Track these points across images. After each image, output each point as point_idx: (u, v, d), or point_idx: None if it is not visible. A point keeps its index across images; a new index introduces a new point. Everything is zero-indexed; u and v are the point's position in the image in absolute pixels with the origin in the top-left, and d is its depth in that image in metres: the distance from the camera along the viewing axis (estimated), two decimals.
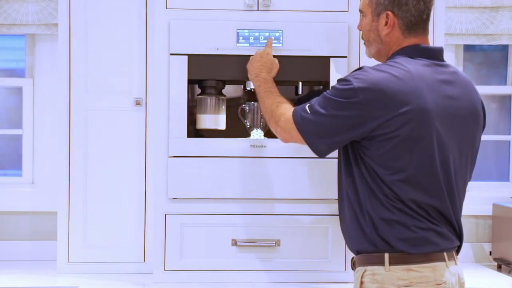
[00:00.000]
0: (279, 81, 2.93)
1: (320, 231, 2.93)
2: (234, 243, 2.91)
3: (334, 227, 2.90)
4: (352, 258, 2.20)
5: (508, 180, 3.85)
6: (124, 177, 3.12)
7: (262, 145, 2.90)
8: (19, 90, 3.58)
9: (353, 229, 2.14)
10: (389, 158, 2.04)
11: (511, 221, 3.42)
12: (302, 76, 2.95)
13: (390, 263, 2.05)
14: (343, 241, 2.87)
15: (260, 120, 3.01)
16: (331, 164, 2.84)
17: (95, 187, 3.11)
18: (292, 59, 2.88)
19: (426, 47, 2.16)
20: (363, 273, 2.10)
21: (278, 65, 2.72)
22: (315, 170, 2.89)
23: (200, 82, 2.98)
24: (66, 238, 3.11)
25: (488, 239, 3.67)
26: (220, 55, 2.88)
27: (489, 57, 3.90)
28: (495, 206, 3.57)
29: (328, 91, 2.15)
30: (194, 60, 2.88)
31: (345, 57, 2.90)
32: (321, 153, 2.17)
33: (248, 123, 3.04)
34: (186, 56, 2.87)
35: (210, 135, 3.00)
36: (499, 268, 3.52)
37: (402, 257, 2.05)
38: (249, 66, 2.71)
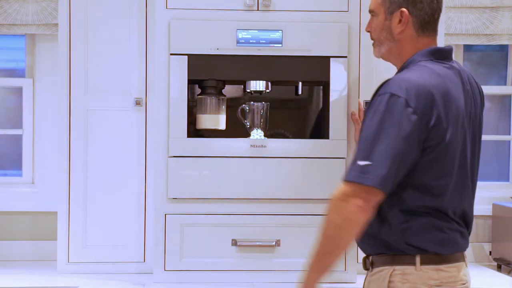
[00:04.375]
0: (279, 81, 2.93)
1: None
2: (234, 243, 2.91)
3: None
4: (368, 257, 2.13)
5: (508, 180, 3.85)
6: (124, 177, 3.12)
7: (262, 145, 2.90)
8: (19, 90, 3.58)
9: (375, 234, 2.06)
10: (433, 164, 1.99)
11: (511, 221, 3.42)
12: (302, 76, 2.95)
13: (421, 263, 2.04)
14: None
15: (260, 120, 3.01)
16: (331, 164, 2.84)
17: (95, 187, 3.11)
18: (292, 59, 2.88)
19: (441, 48, 2.12)
20: (392, 272, 2.05)
21: None
22: (315, 170, 2.89)
23: (200, 82, 2.98)
24: (66, 238, 3.11)
25: (488, 239, 3.67)
26: (220, 55, 2.87)
27: (489, 57, 3.90)
28: (495, 206, 3.56)
29: (365, 125, 1.95)
30: (194, 60, 2.87)
31: (345, 57, 2.89)
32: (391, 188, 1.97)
33: (248, 123, 3.04)
34: (186, 56, 2.87)
35: (210, 135, 3.00)
36: (499, 268, 3.52)
37: (433, 258, 2.04)
38: None
